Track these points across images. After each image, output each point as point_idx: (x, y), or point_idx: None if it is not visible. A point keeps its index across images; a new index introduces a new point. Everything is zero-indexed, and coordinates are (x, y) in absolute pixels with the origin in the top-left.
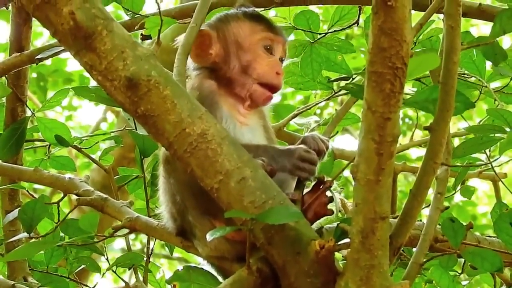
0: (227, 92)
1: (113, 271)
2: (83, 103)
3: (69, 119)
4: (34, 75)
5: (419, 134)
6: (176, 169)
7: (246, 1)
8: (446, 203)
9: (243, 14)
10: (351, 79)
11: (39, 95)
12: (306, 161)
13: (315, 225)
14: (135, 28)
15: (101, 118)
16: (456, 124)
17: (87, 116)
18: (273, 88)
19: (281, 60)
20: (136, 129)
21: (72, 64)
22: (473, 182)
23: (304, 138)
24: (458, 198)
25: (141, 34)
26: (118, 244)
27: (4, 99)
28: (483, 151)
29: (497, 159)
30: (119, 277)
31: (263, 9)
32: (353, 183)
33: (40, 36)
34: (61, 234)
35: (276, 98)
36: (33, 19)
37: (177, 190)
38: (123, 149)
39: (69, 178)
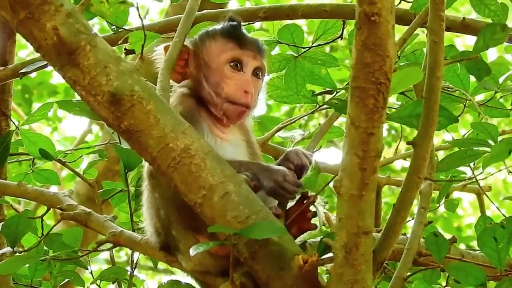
0: (206, 109)
1: (97, 284)
2: (68, 114)
3: (55, 130)
4: (19, 87)
5: (404, 146)
6: (160, 184)
7: (233, 14)
8: (430, 215)
9: (219, 31)
10: (335, 93)
11: (24, 107)
12: (282, 188)
13: (299, 240)
14: (119, 43)
15: (86, 130)
16: (441, 136)
17: (72, 127)
18: (244, 106)
19: (256, 73)
20: (120, 143)
21: (57, 76)
22: (458, 192)
23: (287, 153)
24: (443, 209)
25: (125, 49)
26: (103, 254)
27: None
28: (467, 164)
29: (481, 173)
30: None
31: (247, 23)
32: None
33: (25, 48)
34: (45, 248)
35: (254, 111)
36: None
37: (162, 205)
38: (108, 162)
39: (53, 192)
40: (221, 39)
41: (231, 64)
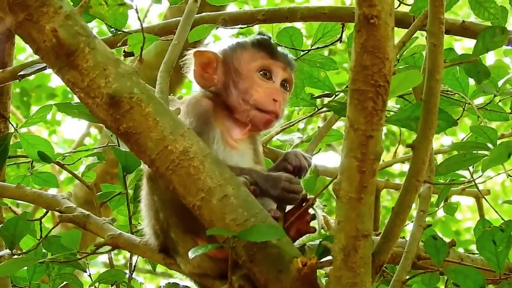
0: (225, 116)
1: (95, 287)
2: (66, 117)
3: (53, 132)
4: (18, 90)
5: (402, 150)
6: (159, 187)
7: (228, 18)
8: (429, 219)
9: (250, 43)
10: (334, 96)
11: (22, 110)
12: (291, 191)
13: (298, 243)
14: (118, 45)
15: (85, 133)
16: (439, 139)
17: (71, 129)
18: (272, 114)
19: (284, 85)
20: (119, 146)
21: (55, 79)
22: (456, 196)
23: (286, 154)
24: (441, 213)
25: (124, 51)
26: (101, 257)
27: None
28: (466, 168)
29: (480, 176)
30: None
31: (246, 26)
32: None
33: (23, 51)
34: (44, 250)
35: (279, 121)
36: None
37: (160, 208)
38: (106, 165)
39: (52, 195)
40: (252, 49)
41: (261, 72)
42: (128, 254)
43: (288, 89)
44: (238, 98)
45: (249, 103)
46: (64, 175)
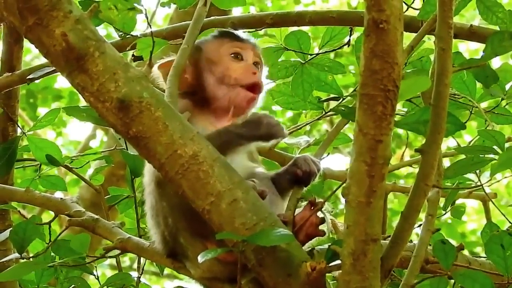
0: (203, 111)
1: None
2: (72, 118)
3: (60, 135)
4: (24, 92)
5: (408, 152)
6: (167, 193)
7: (237, 22)
8: (435, 222)
9: (211, 36)
10: (341, 99)
11: (28, 112)
12: (274, 125)
13: (306, 246)
14: (127, 49)
15: (90, 135)
16: (446, 142)
17: (76, 130)
18: (255, 88)
19: (256, 65)
20: (127, 149)
21: (61, 81)
22: (462, 198)
23: (296, 159)
24: (446, 216)
25: (133, 55)
26: (107, 260)
27: None
28: (473, 171)
29: (489, 180)
30: None
31: (254, 29)
32: (343, 200)
33: (29, 52)
34: (52, 254)
35: (260, 101)
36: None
37: (169, 213)
38: (112, 167)
39: (61, 198)
40: (216, 39)
41: (232, 55)
42: (133, 256)
43: (260, 69)
44: (216, 85)
45: (230, 83)
46: (69, 177)
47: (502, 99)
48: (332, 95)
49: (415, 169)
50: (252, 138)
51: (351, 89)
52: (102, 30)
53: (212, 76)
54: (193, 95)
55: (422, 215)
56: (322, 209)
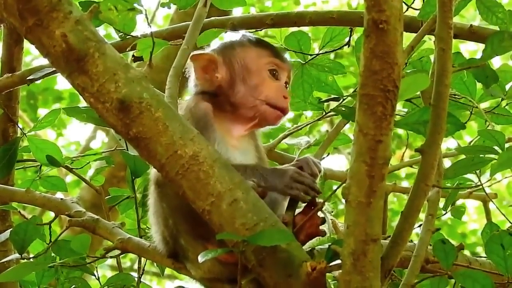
0: (224, 116)
1: None
2: (72, 119)
3: (60, 135)
4: (24, 93)
5: (408, 153)
6: (167, 193)
7: (237, 22)
8: (436, 222)
9: (248, 41)
10: (341, 100)
11: (29, 113)
12: (298, 182)
13: (307, 246)
14: (127, 50)
15: (91, 136)
16: (446, 142)
17: (77, 130)
18: (282, 110)
19: (286, 85)
20: (127, 149)
21: (62, 82)
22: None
23: (298, 161)
24: (447, 216)
25: (133, 56)
26: (107, 260)
27: None
28: (473, 171)
29: (488, 180)
30: None
31: (254, 30)
32: (343, 200)
33: (29, 53)
34: (53, 254)
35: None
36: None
37: (169, 214)
38: (112, 168)
39: (61, 199)
40: (255, 47)
41: (269, 69)
42: (134, 257)
43: (287, 88)
44: (247, 94)
45: (259, 98)
46: (69, 178)
47: (502, 100)
48: (332, 96)
49: (415, 169)
50: (273, 188)
51: (351, 90)
52: (102, 30)
53: (245, 84)
54: (214, 98)
55: (422, 215)
56: (323, 209)
